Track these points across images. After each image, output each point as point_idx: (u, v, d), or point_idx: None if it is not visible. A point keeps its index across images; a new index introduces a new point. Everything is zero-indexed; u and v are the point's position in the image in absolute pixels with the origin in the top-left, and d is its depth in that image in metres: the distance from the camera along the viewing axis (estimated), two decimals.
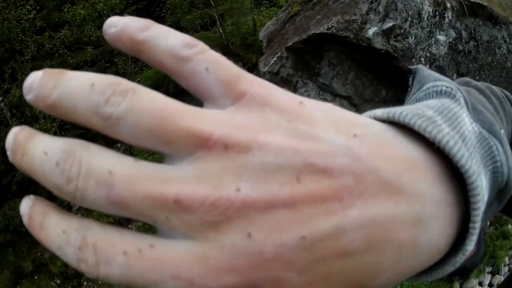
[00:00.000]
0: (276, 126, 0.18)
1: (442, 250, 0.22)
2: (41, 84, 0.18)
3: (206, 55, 0.19)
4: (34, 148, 0.18)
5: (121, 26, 0.19)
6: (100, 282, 6.13)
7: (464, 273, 3.26)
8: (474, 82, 0.34)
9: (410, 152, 0.21)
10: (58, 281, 6.42)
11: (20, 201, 0.19)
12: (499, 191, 0.26)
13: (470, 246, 0.22)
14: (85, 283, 6.29)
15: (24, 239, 6.60)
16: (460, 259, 0.22)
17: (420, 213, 0.20)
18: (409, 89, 0.30)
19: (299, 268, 0.17)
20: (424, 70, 0.29)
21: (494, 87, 0.35)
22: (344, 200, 0.18)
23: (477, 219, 0.21)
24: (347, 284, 0.18)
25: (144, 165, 0.17)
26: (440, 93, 0.26)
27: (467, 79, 0.35)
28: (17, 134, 0.18)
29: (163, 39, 0.19)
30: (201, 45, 0.19)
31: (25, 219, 0.18)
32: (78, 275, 6.29)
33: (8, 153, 0.18)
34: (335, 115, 0.20)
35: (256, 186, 0.17)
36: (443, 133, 0.21)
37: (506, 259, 3.39)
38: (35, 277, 6.53)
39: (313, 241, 0.17)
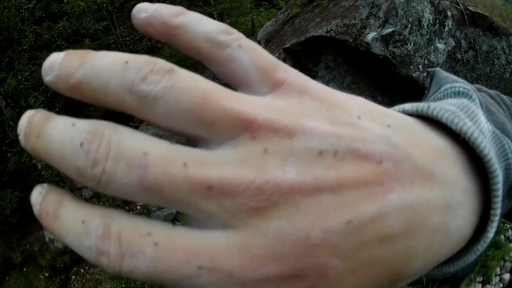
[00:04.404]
0: (316, 113, 0.18)
1: (466, 237, 0.22)
2: (64, 63, 0.17)
3: (244, 42, 0.19)
4: (52, 130, 0.16)
5: (152, 11, 0.18)
6: (88, 277, 6.09)
7: (454, 281, 3.26)
8: (485, 89, 0.35)
9: (439, 142, 0.22)
10: (47, 274, 6.38)
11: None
12: (510, 187, 0.26)
13: (491, 233, 0.23)
14: (73, 277, 6.25)
15: (14, 230, 6.55)
16: (481, 246, 0.23)
17: (450, 199, 0.20)
18: (426, 91, 0.31)
19: (344, 253, 0.17)
20: (441, 73, 0.31)
21: (503, 95, 0.36)
22: (384, 184, 0.18)
23: (498, 206, 0.22)
24: (384, 271, 0.18)
25: (182, 148, 0.16)
26: (458, 94, 0.27)
27: (478, 85, 0.36)
28: (32, 117, 0.17)
29: (199, 24, 0.19)
30: (237, 33, 0.19)
31: (36, 209, 0.17)
32: (66, 268, 6.26)
33: (20, 137, 0.17)
34: (367, 106, 0.20)
35: (302, 171, 0.17)
36: (468, 126, 0.22)
37: (498, 269, 3.40)
38: (24, 269, 6.49)
39: (358, 225, 0.17)
